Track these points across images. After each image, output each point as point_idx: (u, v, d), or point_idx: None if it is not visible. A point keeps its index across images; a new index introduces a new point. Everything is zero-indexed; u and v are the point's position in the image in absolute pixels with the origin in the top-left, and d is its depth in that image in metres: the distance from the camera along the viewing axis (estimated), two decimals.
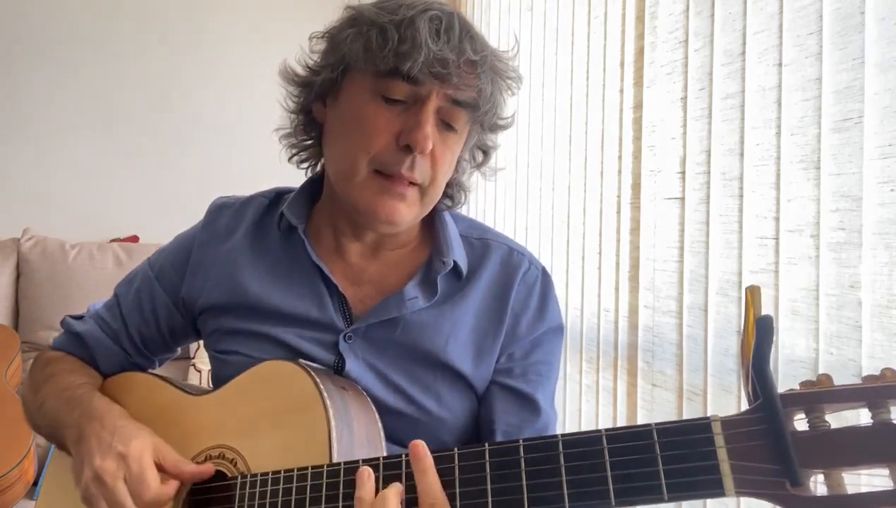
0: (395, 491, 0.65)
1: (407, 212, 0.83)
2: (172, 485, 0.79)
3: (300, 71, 0.89)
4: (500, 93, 0.84)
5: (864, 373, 0.96)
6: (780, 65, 1.13)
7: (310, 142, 0.92)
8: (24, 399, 0.99)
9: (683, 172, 1.36)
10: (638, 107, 1.51)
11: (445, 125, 0.82)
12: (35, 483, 1.72)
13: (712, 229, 1.27)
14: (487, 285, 0.90)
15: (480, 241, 0.93)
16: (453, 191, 0.94)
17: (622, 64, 1.57)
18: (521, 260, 0.92)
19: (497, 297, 0.90)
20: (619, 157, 1.58)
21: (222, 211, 0.97)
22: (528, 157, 2.06)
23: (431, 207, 0.88)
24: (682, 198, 1.36)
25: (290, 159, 0.94)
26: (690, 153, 1.34)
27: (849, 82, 1.01)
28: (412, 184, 0.81)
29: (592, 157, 1.70)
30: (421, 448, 0.65)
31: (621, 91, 1.57)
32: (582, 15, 1.78)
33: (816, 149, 1.05)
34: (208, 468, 0.80)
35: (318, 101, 0.88)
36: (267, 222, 0.94)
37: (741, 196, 1.20)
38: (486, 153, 0.94)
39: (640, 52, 1.51)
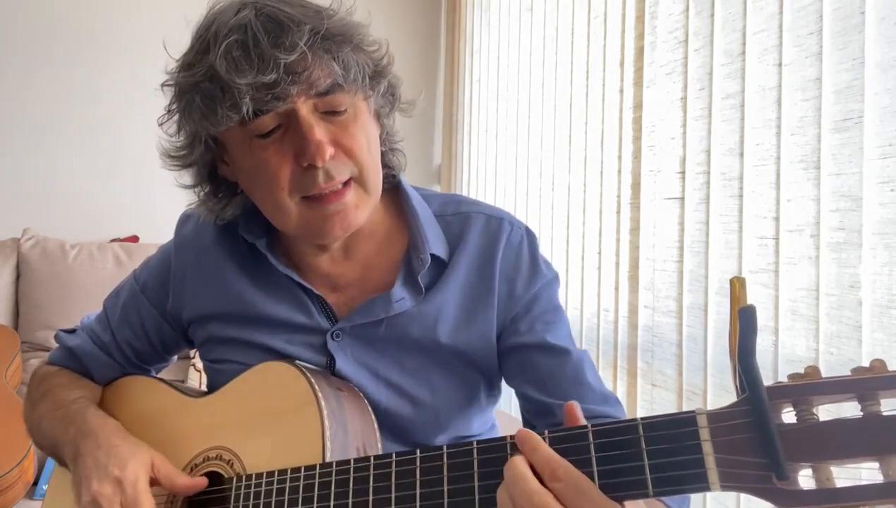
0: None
1: (358, 211, 0.79)
2: None
3: (175, 154, 0.84)
4: (356, 47, 0.77)
5: None
6: (780, 65, 1.13)
7: (226, 202, 0.87)
8: (24, 416, 0.99)
9: (683, 172, 1.36)
10: (638, 107, 1.51)
11: (332, 113, 0.76)
12: (35, 483, 1.72)
13: (712, 229, 1.27)
14: (471, 259, 0.87)
15: (457, 216, 0.90)
16: (387, 158, 0.89)
17: (622, 64, 1.57)
18: (500, 224, 0.89)
19: (481, 267, 0.87)
20: (619, 157, 1.58)
21: (187, 221, 0.96)
22: (528, 157, 2.06)
23: (379, 189, 0.83)
24: (682, 198, 1.36)
25: (216, 221, 0.89)
26: (690, 153, 1.34)
27: (849, 82, 1.01)
28: (345, 185, 0.78)
29: (592, 157, 1.70)
30: (524, 431, 0.61)
31: (621, 91, 1.57)
32: (582, 15, 1.78)
33: (816, 149, 1.05)
34: (201, 480, 0.80)
35: (220, 164, 0.83)
36: (233, 229, 0.91)
37: (741, 196, 1.20)
38: (392, 93, 0.86)
39: (640, 52, 1.51)
